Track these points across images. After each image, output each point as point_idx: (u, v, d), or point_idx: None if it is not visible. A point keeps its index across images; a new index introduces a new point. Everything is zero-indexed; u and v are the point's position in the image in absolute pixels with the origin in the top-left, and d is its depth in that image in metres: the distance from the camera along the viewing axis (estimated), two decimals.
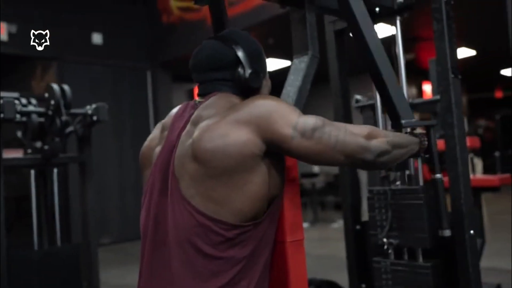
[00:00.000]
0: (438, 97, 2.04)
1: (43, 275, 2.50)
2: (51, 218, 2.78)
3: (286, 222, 1.25)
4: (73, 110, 2.70)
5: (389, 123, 3.10)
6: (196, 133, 1.07)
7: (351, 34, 1.49)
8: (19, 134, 2.79)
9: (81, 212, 2.80)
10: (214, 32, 1.55)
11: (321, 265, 4.67)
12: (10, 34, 6.68)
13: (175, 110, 1.27)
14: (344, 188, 2.05)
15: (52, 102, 2.56)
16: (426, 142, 1.37)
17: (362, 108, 2.87)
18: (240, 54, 1.19)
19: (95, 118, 2.72)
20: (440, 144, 1.57)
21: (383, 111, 2.24)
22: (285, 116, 1.06)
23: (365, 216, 2.00)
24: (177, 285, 1.05)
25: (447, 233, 1.54)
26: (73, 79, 7.00)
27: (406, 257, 1.72)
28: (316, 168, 10.35)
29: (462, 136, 1.62)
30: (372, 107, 2.36)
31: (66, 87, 2.62)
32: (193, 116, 1.15)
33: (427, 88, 9.41)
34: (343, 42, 2.11)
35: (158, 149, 1.19)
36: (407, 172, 1.81)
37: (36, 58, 7.20)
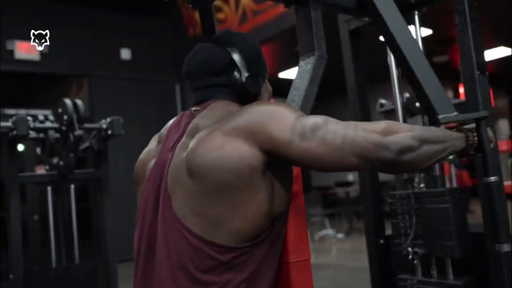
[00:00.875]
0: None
1: None
2: (69, 235, 2.74)
3: (288, 241, 1.13)
4: (86, 125, 2.67)
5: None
6: (191, 145, 0.97)
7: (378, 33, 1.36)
8: (38, 150, 2.78)
9: (99, 228, 2.74)
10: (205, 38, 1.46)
11: (354, 278, 4.48)
12: (42, 54, 6.85)
13: (171, 121, 1.18)
14: (365, 198, 1.90)
15: (65, 117, 2.53)
16: (476, 139, 1.12)
17: (385, 113, 2.70)
18: (235, 56, 1.08)
19: (109, 132, 2.68)
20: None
21: (405, 116, 2.08)
22: (282, 119, 0.93)
23: (389, 229, 1.84)
24: None
25: (506, 248, 1.28)
26: (103, 94, 7.12)
27: (435, 273, 1.56)
28: (350, 177, 10.11)
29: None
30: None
31: (79, 101, 2.60)
32: (189, 127, 1.04)
33: (462, 90, 9.04)
34: (359, 42, 1.97)
35: (151, 163, 1.09)
36: (432, 173, 1.65)
37: (68, 76, 7.36)
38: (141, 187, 1.11)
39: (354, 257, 5.70)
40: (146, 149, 1.18)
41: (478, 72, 1.49)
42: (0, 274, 2.58)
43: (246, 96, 1.09)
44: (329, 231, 7.34)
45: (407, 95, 2.71)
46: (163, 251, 0.96)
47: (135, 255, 1.07)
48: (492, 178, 1.24)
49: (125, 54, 7.56)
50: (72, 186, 2.80)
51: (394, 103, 1.85)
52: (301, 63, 1.45)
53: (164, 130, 1.16)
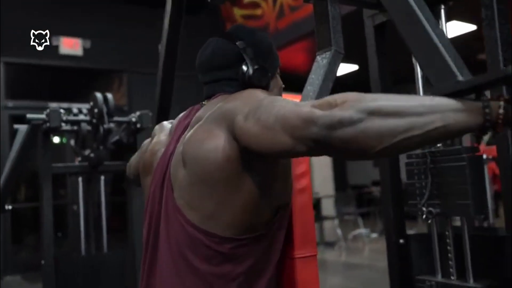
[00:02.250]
0: None
1: (88, 280, 2.54)
2: (98, 225, 2.83)
3: (295, 236, 1.12)
4: (116, 118, 2.75)
5: None
6: (186, 136, 0.99)
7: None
8: (72, 142, 2.89)
9: (128, 220, 2.82)
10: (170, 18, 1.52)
11: (385, 278, 4.39)
12: (84, 49, 7.09)
13: (182, 113, 1.20)
14: (385, 196, 1.86)
15: (96, 110, 2.61)
16: (503, 111, 0.69)
17: None
18: (243, 50, 1.09)
19: (139, 125, 2.74)
20: None
21: None
22: (247, 103, 0.88)
23: (409, 229, 1.79)
24: None
25: None
26: (141, 89, 7.28)
27: (454, 275, 1.51)
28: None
29: None
30: None
31: (109, 95, 2.67)
32: (193, 119, 1.06)
33: None
34: (384, 38, 1.92)
35: (160, 153, 1.11)
36: None
37: (108, 71, 7.58)
38: (149, 177, 1.13)
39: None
40: (154, 140, 1.19)
41: (504, 68, 1.43)
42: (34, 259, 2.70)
43: (255, 85, 1.08)
44: (363, 231, 7.22)
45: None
46: (164, 240, 0.98)
47: (144, 243, 1.10)
48: None
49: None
50: (102, 178, 2.89)
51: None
52: (318, 58, 1.43)
53: (174, 122, 1.18)
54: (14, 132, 5.71)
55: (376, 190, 8.79)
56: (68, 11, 6.87)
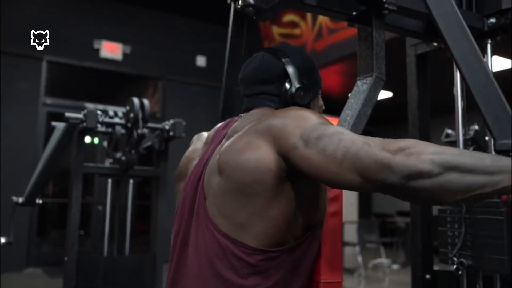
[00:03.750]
0: None
1: (108, 281, 2.56)
2: (123, 228, 2.86)
3: (322, 260, 1.11)
4: (150, 124, 2.79)
5: None
6: (224, 146, 0.99)
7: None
8: (105, 144, 2.94)
9: (152, 225, 2.84)
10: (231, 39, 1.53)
11: None
12: (124, 54, 7.27)
13: (219, 124, 1.22)
14: (414, 228, 1.82)
15: (132, 115, 2.66)
16: None
17: (451, 144, 2.58)
18: (288, 67, 1.09)
19: (171, 133, 2.78)
20: None
21: (482, 148, 1.96)
22: (299, 124, 0.90)
23: (436, 264, 1.75)
24: None
25: None
26: (175, 97, 7.41)
27: None
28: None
29: None
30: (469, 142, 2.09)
31: (145, 101, 2.72)
32: (229, 130, 1.08)
33: None
34: (426, 68, 1.90)
35: (195, 162, 1.13)
36: None
37: (144, 76, 7.74)
38: (182, 184, 1.14)
39: None
40: (191, 148, 1.22)
41: None
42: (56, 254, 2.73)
43: (295, 103, 1.08)
44: (384, 260, 7.07)
45: (476, 127, 2.58)
46: (194, 248, 0.98)
47: (171, 249, 1.10)
48: None
49: (201, 61, 7.83)
50: (131, 181, 2.93)
51: (457, 135, 1.76)
52: (358, 82, 1.42)
53: (212, 131, 1.20)
54: (50, 128, 5.87)
55: (400, 220, 8.60)
56: (111, 17, 7.08)
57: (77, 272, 2.46)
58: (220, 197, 0.95)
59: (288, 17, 7.42)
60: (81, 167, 2.56)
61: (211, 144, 1.11)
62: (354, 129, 1.31)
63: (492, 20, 1.56)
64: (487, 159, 0.78)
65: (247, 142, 0.93)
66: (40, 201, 2.48)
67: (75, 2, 6.77)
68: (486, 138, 2.70)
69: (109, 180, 2.87)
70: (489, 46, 1.62)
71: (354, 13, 1.47)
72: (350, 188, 0.83)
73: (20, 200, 2.43)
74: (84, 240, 5.77)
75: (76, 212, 2.47)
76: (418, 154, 0.76)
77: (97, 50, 7.08)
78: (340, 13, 1.49)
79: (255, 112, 1.07)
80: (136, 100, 2.67)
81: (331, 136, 0.85)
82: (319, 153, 0.84)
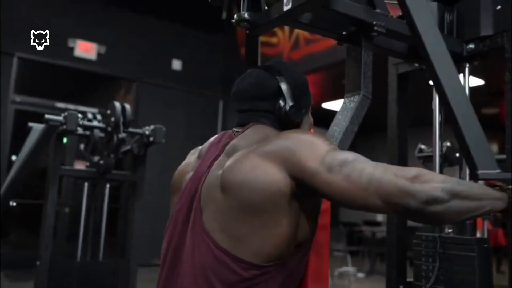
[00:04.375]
0: None
1: (82, 286, 2.52)
2: (97, 232, 2.83)
3: (310, 271, 1.15)
4: (131, 129, 2.77)
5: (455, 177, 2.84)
6: (228, 163, 1.01)
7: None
8: (81, 146, 2.91)
9: (126, 230, 2.82)
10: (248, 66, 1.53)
11: None
12: (99, 54, 7.17)
13: (212, 138, 1.22)
14: (390, 240, 1.89)
15: (112, 119, 2.64)
16: None
17: (424, 159, 2.68)
18: (283, 85, 1.13)
19: (151, 139, 2.77)
20: None
21: (442, 165, 2.05)
22: (314, 149, 0.96)
23: (410, 276, 1.81)
24: None
25: None
26: (149, 100, 7.34)
27: None
28: (379, 217, 9.91)
29: None
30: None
31: (127, 105, 2.71)
32: (228, 146, 1.09)
33: None
34: (406, 87, 1.98)
35: (189, 175, 1.14)
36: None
37: (119, 78, 7.65)
38: (176, 197, 1.16)
39: None
40: (185, 161, 1.23)
41: None
42: (28, 260, 2.68)
43: (287, 124, 1.13)
44: (350, 269, 7.19)
45: (448, 144, 2.68)
46: (188, 262, 0.99)
47: (161, 261, 1.11)
48: None
49: (176, 65, 7.80)
50: (108, 186, 2.90)
51: (433, 149, 1.84)
52: (346, 100, 1.48)
53: (205, 145, 1.20)
54: (18, 126, 5.70)
55: (367, 230, 8.78)
56: (88, 16, 6.98)
57: (49, 276, 2.42)
58: (221, 213, 0.96)
59: None
60: (58, 169, 2.52)
61: (205, 158, 1.12)
62: (341, 145, 1.36)
63: (471, 46, 1.65)
64: (475, 188, 0.99)
65: (255, 163, 0.96)
66: (14, 204, 2.43)
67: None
68: (457, 154, 2.82)
69: (86, 184, 2.83)
70: (467, 70, 1.71)
71: (344, 32, 1.53)
72: (372, 210, 0.93)
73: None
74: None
75: (51, 215, 2.43)
76: (430, 182, 0.91)
77: (71, 49, 6.95)
78: (331, 32, 1.55)
79: (254, 131, 1.09)
80: (117, 105, 2.65)
81: (353, 163, 0.93)
82: (344, 180, 0.92)
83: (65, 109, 6.72)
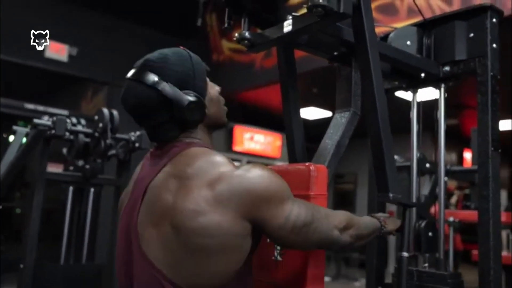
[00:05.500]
0: (476, 167, 2.03)
1: None
2: (81, 235, 2.86)
3: (308, 275, 1.26)
4: (118, 135, 2.82)
5: (424, 187, 3.04)
6: (176, 200, 0.95)
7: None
8: (64, 150, 2.93)
9: (109, 234, 2.86)
10: (281, 76, 1.64)
11: None
12: (70, 56, 7.08)
13: (142, 161, 1.18)
14: (371, 247, 2.03)
15: (101, 125, 2.69)
16: (386, 228, 1.35)
17: (397, 169, 2.85)
18: (165, 89, 1.01)
19: (137, 144, 2.83)
20: (472, 215, 1.55)
21: (419, 174, 2.23)
22: (277, 204, 0.99)
23: (388, 278, 1.96)
24: None
25: None
26: (120, 103, 7.30)
27: None
28: None
29: (496, 210, 1.60)
30: (408, 169, 2.34)
31: (115, 112, 2.76)
32: (160, 172, 1.03)
33: (468, 155, 9.22)
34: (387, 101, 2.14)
35: (125, 201, 1.10)
36: (436, 254, 1.79)
37: (89, 80, 7.57)
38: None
39: None
40: (126, 189, 1.18)
41: (492, 148, 1.65)
42: (8, 264, 2.68)
43: (193, 123, 1.07)
44: None
45: (418, 154, 2.86)
46: (135, 280, 1.00)
47: (118, 280, 1.11)
48: (405, 254, 1.41)
49: None
50: (92, 190, 2.93)
51: (411, 159, 2.00)
52: (337, 115, 1.61)
53: (138, 167, 1.18)
54: None
55: None
56: (59, 17, 6.90)
57: (33, 280, 2.44)
58: (168, 247, 0.95)
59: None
60: (44, 173, 2.54)
61: (137, 183, 1.08)
62: (333, 158, 1.50)
63: (447, 68, 1.82)
64: (370, 227, 1.29)
65: (211, 205, 0.93)
66: (0, 207, 2.43)
67: None
68: (427, 165, 3.02)
69: (70, 188, 2.86)
70: (442, 89, 1.87)
71: (335, 53, 1.67)
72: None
73: None
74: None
75: (36, 219, 2.45)
76: (349, 230, 1.19)
77: (42, 50, 6.84)
78: (323, 52, 1.68)
79: (188, 155, 1.03)
80: (105, 111, 2.70)
81: (310, 224, 1.06)
82: (299, 237, 1.05)
83: (34, 110, 6.63)
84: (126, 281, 1.04)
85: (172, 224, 0.94)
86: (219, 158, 1.01)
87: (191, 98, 1.03)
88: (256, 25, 1.67)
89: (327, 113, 7.52)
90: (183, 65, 1.08)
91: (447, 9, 3.85)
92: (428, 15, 1.93)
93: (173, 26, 7.57)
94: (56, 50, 6.96)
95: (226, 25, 1.67)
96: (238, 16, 1.64)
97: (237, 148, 7.74)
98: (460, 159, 9.49)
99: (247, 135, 7.95)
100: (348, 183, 9.65)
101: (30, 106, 6.68)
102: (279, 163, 8.43)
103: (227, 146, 7.71)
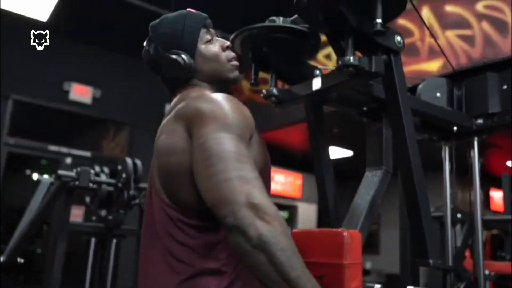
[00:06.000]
0: (510, 217, 1.94)
1: None
2: (102, 285, 2.80)
3: None
4: (141, 185, 2.80)
5: (458, 239, 2.92)
6: (158, 130, 1.08)
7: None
8: (87, 199, 2.91)
9: (131, 284, 2.79)
10: (310, 132, 1.61)
11: None
12: (94, 98, 7.22)
13: None
14: None
15: (124, 175, 2.68)
16: None
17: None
18: (152, 53, 1.15)
19: None
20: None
21: (453, 225, 2.13)
22: (209, 122, 0.94)
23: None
24: (159, 281, 0.99)
25: None
26: (143, 144, 7.36)
27: None
28: (368, 265, 9.88)
29: None
30: (440, 219, 2.26)
31: (138, 162, 2.75)
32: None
33: (495, 195, 8.97)
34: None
35: None
36: None
37: (112, 121, 7.68)
38: None
39: None
40: None
41: None
42: None
43: (186, 79, 1.14)
44: None
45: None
46: (151, 224, 1.05)
47: (142, 231, 1.14)
48: None
49: None
50: (114, 241, 2.89)
51: (444, 212, 1.93)
52: (368, 173, 1.56)
53: None
54: (10, 169, 5.63)
55: None
56: (83, 59, 7.07)
57: None
58: (158, 175, 1.02)
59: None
60: (67, 224, 2.52)
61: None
62: (366, 220, 1.43)
63: (480, 121, 1.76)
64: (312, 279, 0.84)
65: (169, 126, 1.01)
66: (22, 260, 2.41)
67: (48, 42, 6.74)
68: (459, 215, 2.90)
69: (93, 239, 2.82)
70: (475, 143, 1.81)
71: (364, 108, 1.63)
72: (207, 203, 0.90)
73: (1, 259, 2.35)
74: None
75: (58, 269, 2.41)
76: (270, 228, 0.81)
77: (67, 92, 7.00)
78: (352, 107, 1.65)
79: (176, 99, 1.13)
80: (129, 161, 2.69)
81: (222, 164, 0.88)
82: (204, 173, 0.89)
83: (58, 152, 6.73)
84: (146, 227, 1.08)
85: (155, 150, 1.05)
86: (204, 92, 1.10)
87: (170, 58, 1.10)
88: (283, 79, 1.65)
89: (347, 152, 7.45)
90: (172, 26, 1.14)
91: (469, 50, 3.81)
92: (449, 56, 1.90)
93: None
94: (80, 93, 7.11)
95: (252, 81, 1.65)
96: (265, 72, 1.63)
97: None
98: (487, 199, 9.23)
99: None
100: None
101: (54, 148, 6.78)
102: (299, 203, 8.32)
103: None
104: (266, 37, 1.46)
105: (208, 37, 1.17)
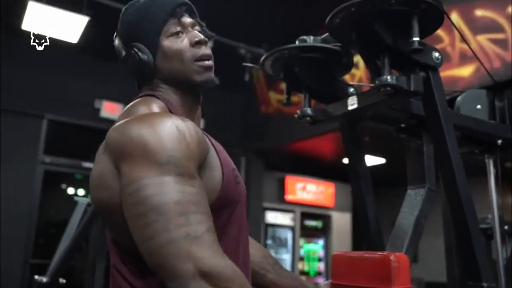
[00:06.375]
0: None
1: None
2: None
3: None
4: None
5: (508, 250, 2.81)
6: None
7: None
8: None
9: None
10: (348, 151, 1.57)
11: None
12: None
13: None
14: None
15: None
16: None
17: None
18: (115, 45, 1.00)
19: None
20: None
21: (503, 239, 2.04)
22: (135, 158, 0.77)
23: None
24: None
25: None
26: None
27: None
28: None
29: None
30: (486, 232, 2.16)
31: None
32: None
33: None
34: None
35: None
36: None
37: None
38: None
39: None
40: None
41: None
42: None
43: (144, 77, 0.98)
44: None
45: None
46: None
47: None
48: None
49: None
50: None
51: (493, 226, 1.85)
52: (410, 192, 1.51)
53: None
54: (47, 187, 5.75)
55: None
56: (113, 77, 7.21)
57: None
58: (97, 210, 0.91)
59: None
60: (105, 247, 2.55)
61: None
62: (411, 242, 1.39)
63: None
64: None
65: (98, 156, 0.87)
66: (64, 281, 2.45)
67: (78, 62, 6.91)
68: (506, 227, 2.80)
69: None
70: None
71: (402, 125, 1.59)
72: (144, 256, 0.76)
73: (44, 280, 2.40)
74: None
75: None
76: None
77: (98, 110, 7.16)
78: (389, 124, 1.61)
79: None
80: None
81: (155, 217, 0.73)
82: (135, 224, 0.76)
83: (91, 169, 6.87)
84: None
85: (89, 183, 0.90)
86: (140, 108, 0.90)
87: (127, 52, 0.94)
88: (316, 99, 1.64)
89: (380, 160, 7.35)
90: (137, 13, 0.95)
91: (502, 53, 3.70)
92: (483, 60, 1.83)
93: (219, 79, 7.69)
94: (111, 110, 7.26)
95: (285, 101, 1.64)
96: (298, 92, 1.61)
97: (289, 197, 7.62)
98: None
99: (299, 185, 7.83)
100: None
101: (88, 164, 6.92)
102: (333, 212, 8.22)
103: (279, 196, 7.61)
104: (298, 57, 1.45)
105: (175, 29, 0.94)
